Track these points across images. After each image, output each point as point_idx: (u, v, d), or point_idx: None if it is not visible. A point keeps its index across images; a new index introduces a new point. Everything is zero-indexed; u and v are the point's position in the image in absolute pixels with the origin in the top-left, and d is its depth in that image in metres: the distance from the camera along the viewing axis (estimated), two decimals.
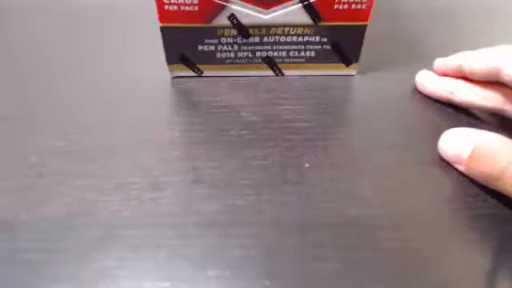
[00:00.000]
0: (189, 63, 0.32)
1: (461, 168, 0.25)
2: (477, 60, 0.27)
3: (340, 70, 0.32)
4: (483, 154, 0.24)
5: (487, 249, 0.22)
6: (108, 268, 0.21)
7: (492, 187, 0.23)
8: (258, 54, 0.31)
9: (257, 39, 0.30)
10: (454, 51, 0.30)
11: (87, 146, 0.27)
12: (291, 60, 0.32)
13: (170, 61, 0.31)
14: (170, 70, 0.32)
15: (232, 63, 0.32)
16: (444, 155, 0.26)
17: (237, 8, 0.28)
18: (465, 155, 0.24)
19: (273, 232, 0.23)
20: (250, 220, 0.23)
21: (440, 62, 0.30)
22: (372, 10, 0.29)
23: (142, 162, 0.26)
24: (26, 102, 0.30)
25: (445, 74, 0.30)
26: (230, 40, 0.30)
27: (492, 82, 0.27)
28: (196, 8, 0.28)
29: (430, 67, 0.31)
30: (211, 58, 0.31)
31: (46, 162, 0.26)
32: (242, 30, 0.30)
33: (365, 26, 0.30)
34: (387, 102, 0.31)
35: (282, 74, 0.33)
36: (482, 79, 0.27)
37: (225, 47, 0.31)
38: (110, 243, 0.22)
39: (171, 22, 0.29)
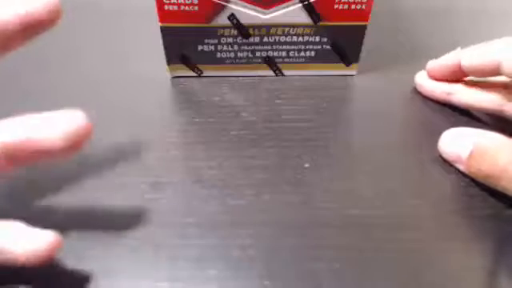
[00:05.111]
0: (189, 63, 0.32)
1: (461, 167, 0.25)
2: (475, 55, 0.27)
3: (340, 70, 0.32)
4: (483, 154, 0.23)
5: (487, 249, 0.22)
6: (108, 268, 0.21)
7: (492, 186, 0.23)
8: (257, 53, 0.31)
9: (257, 39, 0.30)
10: None
11: (87, 145, 0.27)
12: (291, 60, 0.32)
13: (170, 61, 0.31)
14: (170, 70, 0.32)
15: (232, 63, 0.32)
16: (444, 155, 0.26)
17: (237, 8, 0.28)
18: (464, 155, 0.24)
19: (273, 232, 0.23)
20: (250, 220, 0.23)
21: (434, 64, 0.30)
22: (372, 10, 0.29)
23: (142, 162, 0.26)
24: (26, 102, 0.30)
25: (441, 76, 0.29)
26: (230, 40, 0.30)
27: (490, 84, 0.27)
28: (196, 8, 0.28)
29: None
30: (211, 58, 0.31)
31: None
32: (242, 30, 0.30)
33: (365, 26, 0.30)
34: (387, 102, 0.31)
35: (282, 74, 0.33)
36: (482, 75, 0.27)
37: (225, 47, 0.31)
38: (109, 243, 0.22)
39: (171, 22, 0.29)
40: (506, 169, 0.22)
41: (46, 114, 0.20)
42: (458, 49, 0.28)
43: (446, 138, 0.26)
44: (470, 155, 0.24)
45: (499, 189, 0.23)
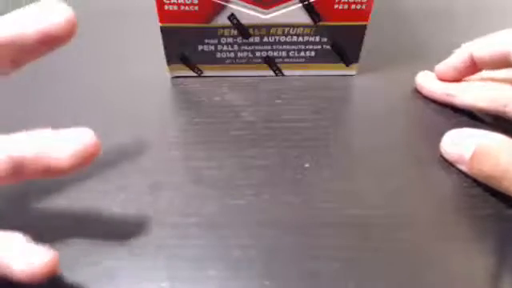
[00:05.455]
0: (189, 63, 0.32)
1: (463, 168, 0.25)
2: (484, 46, 0.26)
3: (340, 70, 0.32)
4: (485, 154, 0.23)
5: (487, 249, 0.22)
6: (108, 268, 0.21)
7: (494, 187, 0.23)
8: (257, 53, 0.31)
9: (257, 39, 0.30)
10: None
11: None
12: (291, 60, 0.32)
13: (170, 61, 0.31)
14: (170, 70, 0.32)
15: (232, 63, 0.32)
16: (446, 155, 0.26)
17: (237, 8, 0.28)
18: (467, 155, 0.24)
19: (273, 232, 0.23)
20: (250, 220, 0.23)
21: (443, 66, 0.29)
22: (372, 10, 0.29)
23: (142, 163, 0.26)
24: (26, 102, 0.30)
25: (451, 77, 0.29)
26: (230, 40, 0.30)
27: (493, 84, 0.27)
28: (196, 8, 0.28)
29: (430, 67, 0.31)
30: (211, 58, 0.31)
31: None
32: (242, 30, 0.30)
33: (365, 26, 0.30)
34: (387, 102, 0.31)
35: (282, 74, 0.33)
36: (493, 66, 0.27)
37: (225, 47, 0.31)
38: (109, 243, 0.22)
39: (171, 22, 0.29)
40: (508, 170, 0.22)
41: (55, 131, 0.20)
42: (463, 45, 0.28)
43: (449, 138, 0.26)
44: (472, 156, 0.24)
45: (501, 189, 0.23)
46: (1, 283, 0.19)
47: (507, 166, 0.22)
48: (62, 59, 0.34)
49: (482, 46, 0.27)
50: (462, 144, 0.25)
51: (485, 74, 0.28)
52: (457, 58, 0.28)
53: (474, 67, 0.28)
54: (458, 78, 0.29)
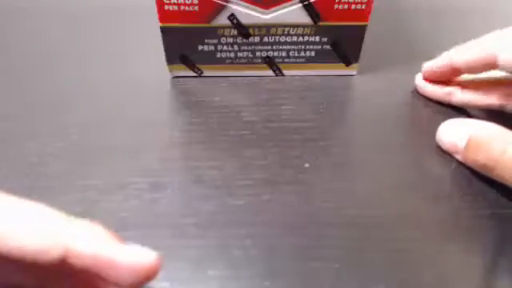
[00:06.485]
0: (189, 63, 0.32)
1: (458, 157, 0.26)
2: (469, 51, 0.27)
3: (340, 69, 0.32)
4: (478, 143, 0.24)
5: (487, 248, 0.22)
6: None
7: (489, 175, 0.24)
8: (258, 53, 0.31)
9: (257, 39, 0.30)
10: None
11: (87, 146, 0.27)
12: (291, 60, 0.32)
13: (169, 61, 0.31)
14: (170, 70, 0.32)
15: (232, 63, 0.32)
16: (442, 145, 0.26)
17: (237, 8, 0.28)
18: (461, 145, 0.25)
19: (273, 232, 0.23)
20: (250, 220, 0.23)
21: (428, 67, 0.30)
22: (372, 10, 0.29)
23: (142, 162, 0.26)
24: (26, 102, 0.30)
25: (436, 78, 0.29)
26: (230, 40, 0.30)
27: (489, 82, 0.28)
28: (196, 8, 0.28)
29: None
30: (211, 58, 0.31)
31: (47, 162, 0.26)
32: (242, 30, 0.30)
33: (365, 26, 0.30)
34: (387, 102, 0.31)
35: (282, 74, 0.33)
36: (477, 70, 0.27)
37: (225, 47, 0.31)
38: None
39: (171, 22, 0.29)
40: (501, 158, 0.22)
41: (119, 246, 0.17)
42: (444, 53, 0.28)
43: (444, 129, 0.26)
44: (466, 146, 0.24)
45: (495, 178, 0.23)
46: None
47: (499, 156, 0.22)
48: (62, 58, 0.34)
49: (465, 52, 0.27)
50: (456, 134, 0.25)
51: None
52: (437, 64, 0.29)
53: (454, 72, 0.28)
54: (441, 80, 0.29)
